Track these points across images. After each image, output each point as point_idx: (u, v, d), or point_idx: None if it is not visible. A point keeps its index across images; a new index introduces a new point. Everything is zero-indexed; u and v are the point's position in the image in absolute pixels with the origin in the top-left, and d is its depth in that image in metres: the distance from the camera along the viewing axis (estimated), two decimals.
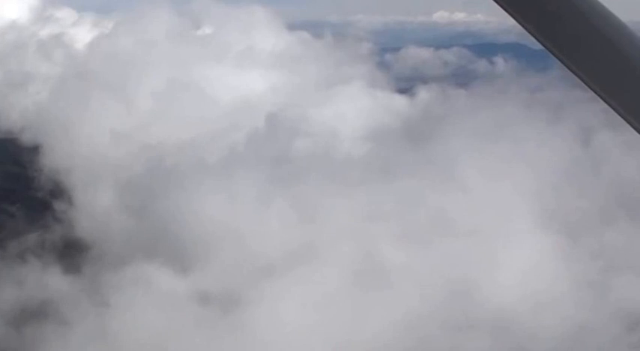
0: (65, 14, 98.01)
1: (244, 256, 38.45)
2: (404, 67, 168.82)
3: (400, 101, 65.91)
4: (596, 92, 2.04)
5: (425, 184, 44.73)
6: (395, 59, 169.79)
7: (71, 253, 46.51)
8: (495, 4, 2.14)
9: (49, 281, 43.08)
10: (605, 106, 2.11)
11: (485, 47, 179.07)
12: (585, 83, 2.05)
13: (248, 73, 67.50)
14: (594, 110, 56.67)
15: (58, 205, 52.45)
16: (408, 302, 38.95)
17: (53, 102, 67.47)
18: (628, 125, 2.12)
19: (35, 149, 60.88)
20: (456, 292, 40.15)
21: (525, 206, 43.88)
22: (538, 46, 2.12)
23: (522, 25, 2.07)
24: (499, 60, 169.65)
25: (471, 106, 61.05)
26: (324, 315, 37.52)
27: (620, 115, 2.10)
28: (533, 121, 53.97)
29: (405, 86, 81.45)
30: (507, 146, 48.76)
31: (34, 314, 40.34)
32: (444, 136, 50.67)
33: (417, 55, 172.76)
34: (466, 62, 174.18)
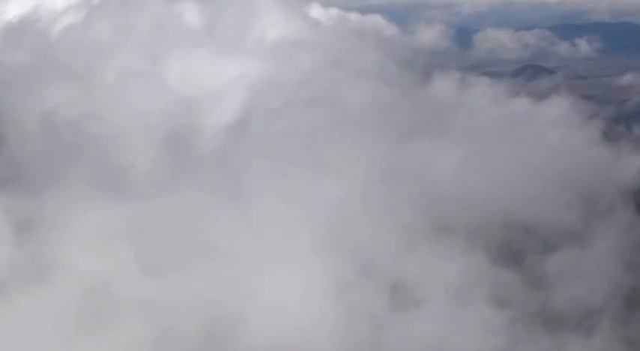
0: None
1: None
2: (479, 50, 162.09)
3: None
4: None
5: (203, 200, 38.74)
6: (468, 42, 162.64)
7: None
8: None
9: None
10: None
11: (571, 28, 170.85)
12: None
13: (224, 62, 62.71)
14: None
15: None
16: (139, 340, 32.95)
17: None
18: None
19: None
20: (208, 326, 34.28)
21: (314, 231, 37.93)
22: None
23: None
24: (582, 42, 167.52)
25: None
26: None
27: None
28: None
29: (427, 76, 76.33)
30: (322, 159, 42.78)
31: None
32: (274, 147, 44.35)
33: (495, 37, 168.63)
34: (547, 44, 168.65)
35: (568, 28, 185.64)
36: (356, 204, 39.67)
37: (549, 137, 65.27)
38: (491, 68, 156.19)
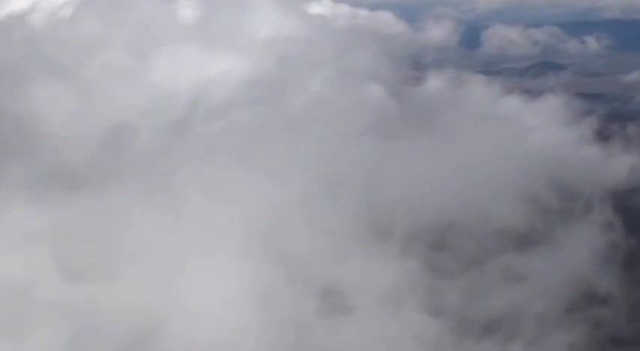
0: None
1: None
2: (488, 47, 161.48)
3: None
4: None
5: (134, 201, 37.85)
6: (477, 39, 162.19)
7: None
8: None
9: None
10: None
11: (581, 25, 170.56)
12: None
13: (211, 58, 61.90)
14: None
15: None
16: (57, 345, 32.20)
17: None
18: None
19: None
20: (130, 331, 33.41)
21: (246, 234, 36.88)
22: None
23: None
24: (591, 39, 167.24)
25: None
26: None
27: None
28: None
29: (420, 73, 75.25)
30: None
31: None
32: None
33: (503, 34, 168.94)
34: (556, 41, 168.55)
35: (578, 25, 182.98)
36: (293, 207, 38.59)
37: (533, 136, 63.76)
38: (500, 65, 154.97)
